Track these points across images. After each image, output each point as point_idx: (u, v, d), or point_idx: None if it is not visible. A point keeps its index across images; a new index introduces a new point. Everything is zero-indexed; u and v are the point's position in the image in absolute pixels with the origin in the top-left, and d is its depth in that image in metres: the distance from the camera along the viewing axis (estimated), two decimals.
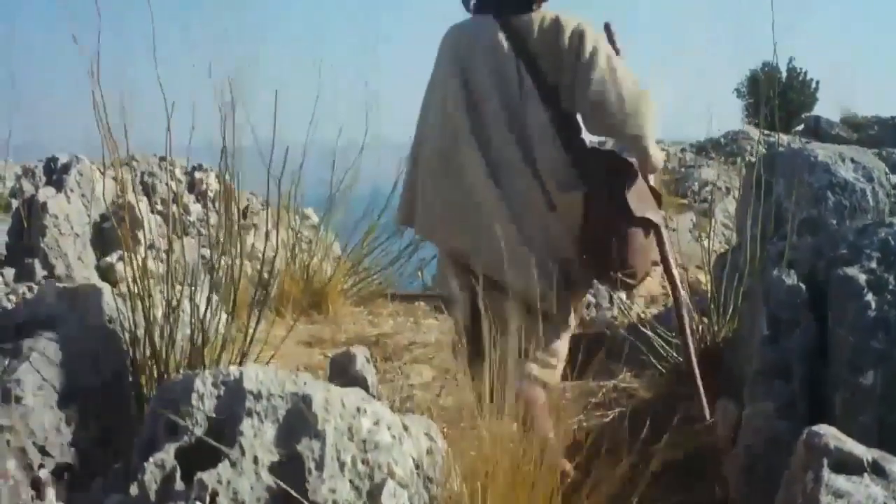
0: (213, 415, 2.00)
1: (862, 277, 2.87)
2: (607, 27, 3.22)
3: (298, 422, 2.00)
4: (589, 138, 3.12)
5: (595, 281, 3.27)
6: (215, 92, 3.27)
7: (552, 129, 2.96)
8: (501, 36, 3.01)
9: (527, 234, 2.94)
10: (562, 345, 3.12)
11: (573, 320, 3.17)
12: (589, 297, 5.63)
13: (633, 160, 3.04)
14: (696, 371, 3.29)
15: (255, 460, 1.98)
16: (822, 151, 4.43)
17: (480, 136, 2.98)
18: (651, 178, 3.11)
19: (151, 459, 1.94)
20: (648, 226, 3.03)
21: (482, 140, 2.98)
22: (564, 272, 2.96)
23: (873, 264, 2.94)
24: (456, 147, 3.03)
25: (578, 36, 2.96)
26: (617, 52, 3.08)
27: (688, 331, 3.30)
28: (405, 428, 2.22)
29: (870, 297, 2.80)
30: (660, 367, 3.87)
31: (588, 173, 2.97)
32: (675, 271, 3.26)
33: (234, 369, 2.07)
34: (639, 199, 2.98)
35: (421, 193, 3.17)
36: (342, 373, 3.22)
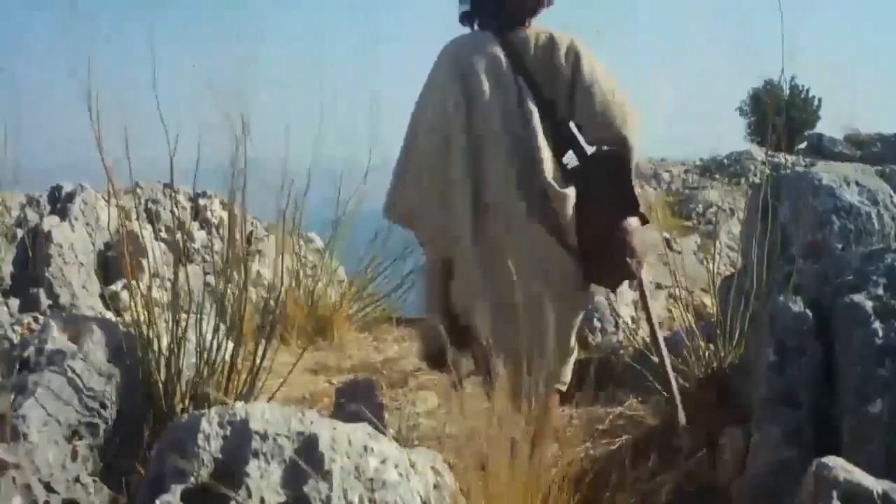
0: (220, 456, 1.99)
1: (868, 304, 2.86)
2: None
3: (305, 462, 1.99)
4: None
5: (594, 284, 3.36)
6: (218, 104, 3.30)
7: (548, 136, 3.10)
8: (500, 50, 3.15)
9: (500, 251, 3.05)
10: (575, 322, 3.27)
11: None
12: (594, 322, 5.61)
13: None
14: (670, 370, 3.36)
15: (262, 502, 1.97)
16: (826, 175, 4.42)
17: (475, 139, 3.11)
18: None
19: (158, 502, 1.94)
20: (644, 222, 3.19)
21: (476, 143, 3.11)
22: (549, 279, 3.09)
23: (880, 291, 2.93)
24: (449, 149, 3.14)
25: (574, 54, 3.12)
26: None
27: (657, 330, 3.40)
28: (412, 464, 2.21)
29: (877, 324, 2.78)
30: (665, 394, 3.84)
31: (589, 176, 3.17)
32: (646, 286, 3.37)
33: (240, 408, 2.07)
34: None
35: (416, 188, 3.26)
36: (348, 402, 3.22)
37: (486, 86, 3.11)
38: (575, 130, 3.23)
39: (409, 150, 3.31)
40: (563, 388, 3.27)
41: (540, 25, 3.20)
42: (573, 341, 3.27)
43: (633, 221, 3.12)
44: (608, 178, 3.15)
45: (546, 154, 3.08)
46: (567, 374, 3.26)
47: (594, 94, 3.09)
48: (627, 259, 3.08)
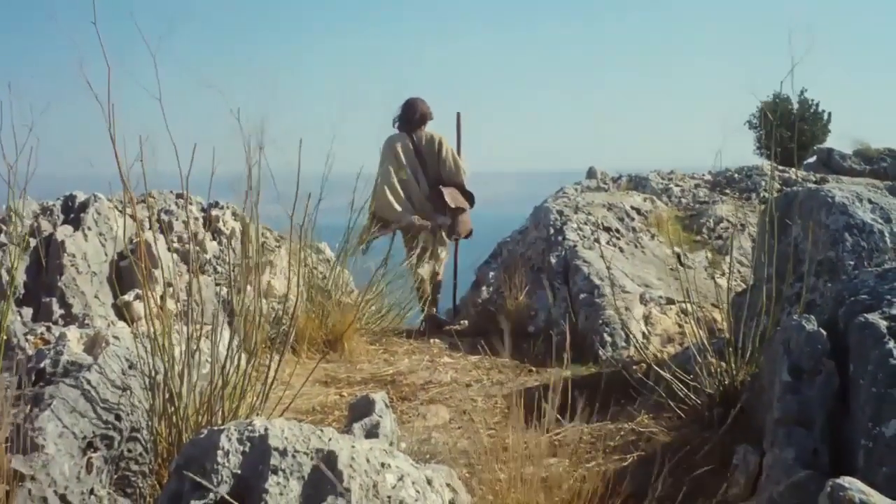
0: (239, 472, 1.99)
1: (883, 324, 2.85)
2: (458, 116, 7.51)
3: (324, 479, 1.99)
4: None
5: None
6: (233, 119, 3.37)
7: (433, 182, 7.01)
8: (409, 143, 7.03)
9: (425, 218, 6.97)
10: (443, 256, 7.24)
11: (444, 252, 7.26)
12: (605, 336, 5.63)
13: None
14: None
15: None
16: (839, 192, 4.42)
17: (404, 183, 6.88)
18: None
19: None
20: (461, 210, 7.06)
21: (403, 186, 6.89)
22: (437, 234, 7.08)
23: (895, 310, 2.92)
24: (393, 184, 6.91)
25: (440, 146, 7.08)
26: (459, 136, 7.45)
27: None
28: (428, 481, 2.21)
29: (891, 344, 2.76)
30: (678, 411, 3.83)
31: (443, 196, 7.01)
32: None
33: (259, 424, 2.07)
34: (455, 199, 7.01)
35: (379, 199, 6.87)
36: (361, 417, 3.22)
37: (404, 160, 6.92)
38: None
39: (377, 186, 6.98)
40: (439, 277, 7.17)
41: (429, 129, 7.12)
42: (437, 258, 7.10)
43: (457, 215, 7.05)
44: (452, 197, 7.02)
45: (427, 188, 6.97)
46: (441, 271, 7.20)
47: (448, 165, 7.03)
48: (457, 230, 7.13)
